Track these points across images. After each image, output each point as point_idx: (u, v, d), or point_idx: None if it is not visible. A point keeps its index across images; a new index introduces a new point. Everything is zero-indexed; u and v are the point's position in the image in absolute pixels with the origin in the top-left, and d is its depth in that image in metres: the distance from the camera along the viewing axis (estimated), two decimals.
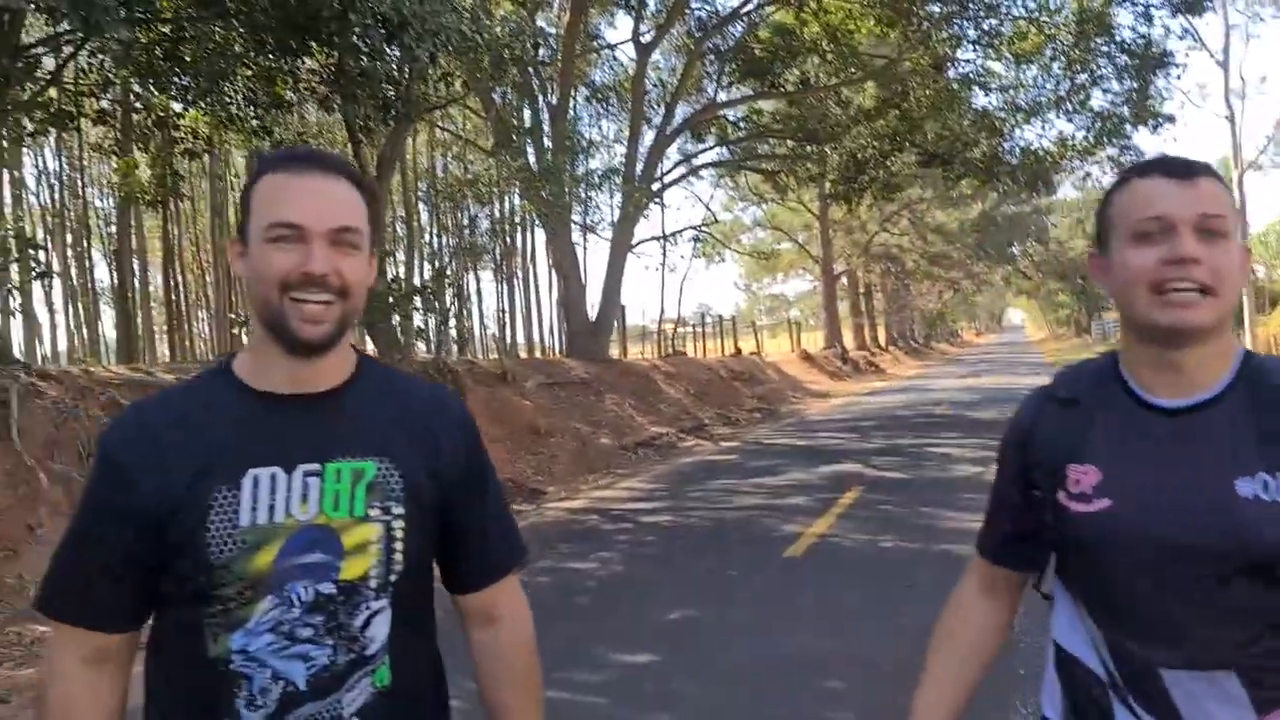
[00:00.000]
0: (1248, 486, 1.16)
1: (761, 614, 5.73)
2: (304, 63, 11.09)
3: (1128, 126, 21.45)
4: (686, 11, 21.39)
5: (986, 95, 22.29)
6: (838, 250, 41.75)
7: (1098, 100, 21.29)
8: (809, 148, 23.03)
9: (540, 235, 23.64)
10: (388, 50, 9.72)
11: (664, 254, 29.51)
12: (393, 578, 1.28)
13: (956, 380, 30.73)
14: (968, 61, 21.71)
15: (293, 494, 1.23)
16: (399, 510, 1.29)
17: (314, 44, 9.79)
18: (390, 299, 11.85)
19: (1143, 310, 1.20)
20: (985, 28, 20.56)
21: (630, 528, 8.78)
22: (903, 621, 5.33)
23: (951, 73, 21.43)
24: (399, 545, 1.28)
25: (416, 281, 15.91)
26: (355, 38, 9.19)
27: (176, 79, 10.75)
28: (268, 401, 1.27)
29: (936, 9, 20.12)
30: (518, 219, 23.21)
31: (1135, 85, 20.53)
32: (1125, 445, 1.26)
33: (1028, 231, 47.37)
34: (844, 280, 44.26)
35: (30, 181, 21.79)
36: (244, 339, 19.80)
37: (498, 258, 26.45)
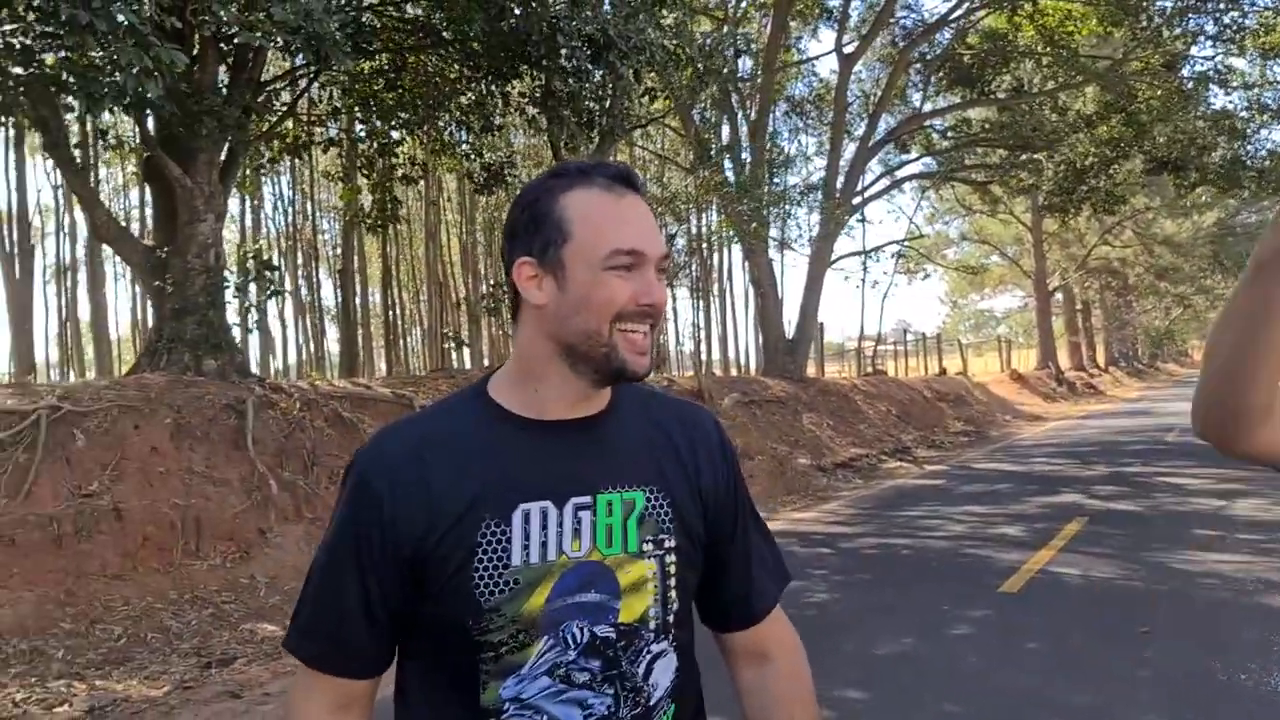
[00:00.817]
0: None
1: (977, 653, 5.34)
2: (513, 87, 11.49)
3: None
4: (891, 20, 20.79)
5: (1227, 94, 20.44)
6: (1052, 264, 39.43)
7: None
8: (1022, 157, 21.84)
9: (738, 252, 23.52)
10: (593, 69, 9.89)
11: (864, 269, 28.69)
12: (670, 617, 1.20)
13: (1187, 404, 28.17)
14: (1205, 59, 19.99)
15: (564, 530, 1.14)
16: (670, 543, 1.20)
17: (524, 67, 10.09)
18: None
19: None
20: (1225, 21, 18.84)
21: (831, 554, 8.48)
22: (1140, 673, 4.82)
23: (1185, 71, 19.78)
24: (673, 581, 1.20)
25: None
26: (563, 59, 9.40)
27: (396, 108, 11.38)
28: (533, 429, 1.18)
29: (1168, 3, 18.63)
30: (715, 236, 23.16)
31: None
32: None
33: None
34: (1059, 296, 41.73)
35: (267, 207, 23.76)
36: (453, 357, 20.74)
37: (695, 275, 26.55)
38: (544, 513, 1.13)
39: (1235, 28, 18.61)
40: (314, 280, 24.31)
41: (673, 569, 1.19)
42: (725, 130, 20.39)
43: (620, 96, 11.43)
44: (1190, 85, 19.72)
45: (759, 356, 22.68)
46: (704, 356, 25.30)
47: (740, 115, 20.08)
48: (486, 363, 21.01)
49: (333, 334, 26.34)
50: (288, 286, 20.54)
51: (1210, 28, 19.02)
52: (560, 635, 1.12)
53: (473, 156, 12.34)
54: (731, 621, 1.34)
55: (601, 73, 10.34)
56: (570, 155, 13.13)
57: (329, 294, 25.53)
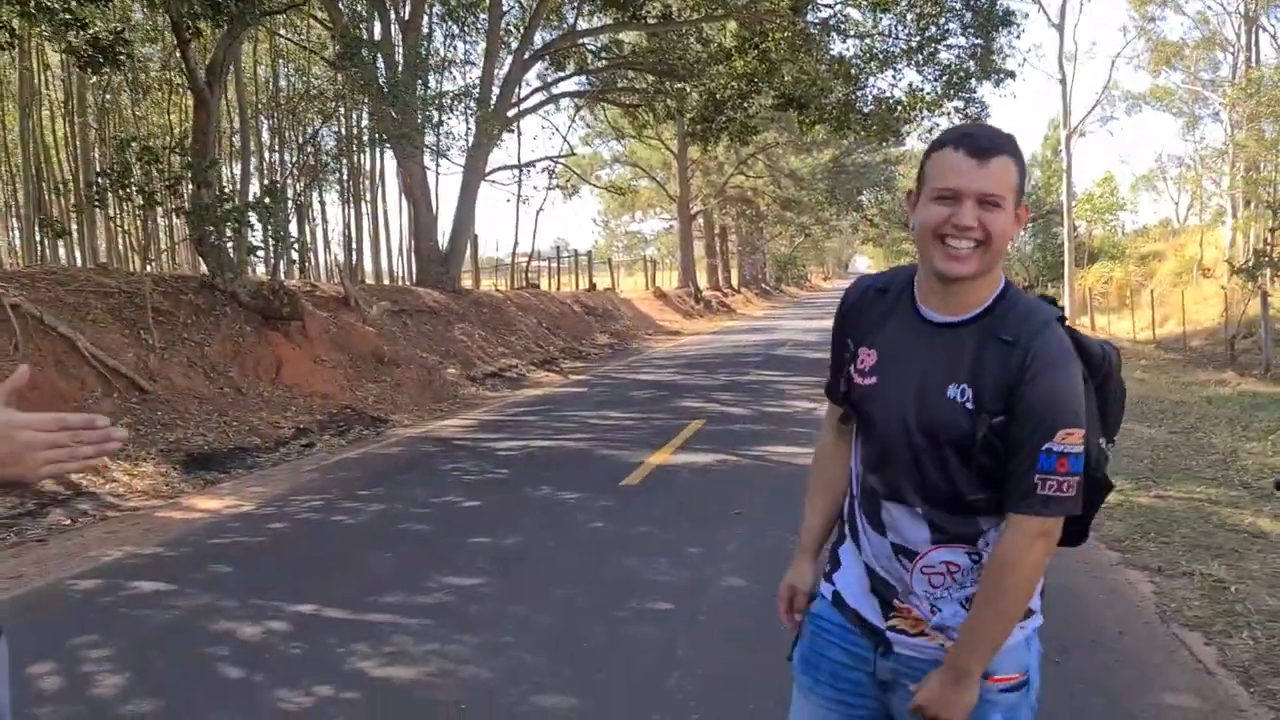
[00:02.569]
0: (952, 390, 1.60)
1: (594, 540, 5.73)
2: None
3: (973, 81, 22.15)
4: None
5: (844, 42, 22.53)
6: (694, 190, 41.93)
7: (946, 54, 21.88)
8: (668, 84, 22.85)
9: (390, 158, 22.70)
10: None
11: (519, 184, 28.86)
12: None
13: (802, 322, 31.61)
14: (827, 6, 21.89)
15: None
16: None
17: None
18: (221, 212, 11.12)
19: (929, 253, 1.60)
20: None
21: (470, 457, 8.63)
22: (730, 548, 5.42)
23: (811, 16, 21.56)
24: None
25: (251, 197, 14.94)
26: None
27: None
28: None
29: None
30: (365, 139, 22.11)
31: (980, 41, 21.15)
32: (899, 338, 1.69)
33: (876, 181, 48.57)
34: (700, 221, 44.58)
35: None
36: (58, 250, 18.23)
37: (344, 179, 25.29)
38: None
39: None
40: None
41: None
42: (376, 27, 19.42)
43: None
44: (814, 30, 21.54)
45: (413, 267, 22.19)
46: (353, 264, 24.35)
47: (392, 13, 19.19)
48: (103, 260, 18.79)
49: None
50: None
51: None
52: None
53: (75, 26, 10.78)
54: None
55: None
56: (195, 39, 11.92)
57: None
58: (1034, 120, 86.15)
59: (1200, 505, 6.24)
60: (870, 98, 22.84)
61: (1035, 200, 48.94)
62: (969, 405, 1.57)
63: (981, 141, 1.56)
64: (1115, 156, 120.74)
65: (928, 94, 22.31)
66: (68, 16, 10.68)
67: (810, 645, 1.84)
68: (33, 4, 10.28)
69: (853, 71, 22.22)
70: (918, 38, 21.51)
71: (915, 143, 39.32)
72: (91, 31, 11.36)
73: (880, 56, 22.02)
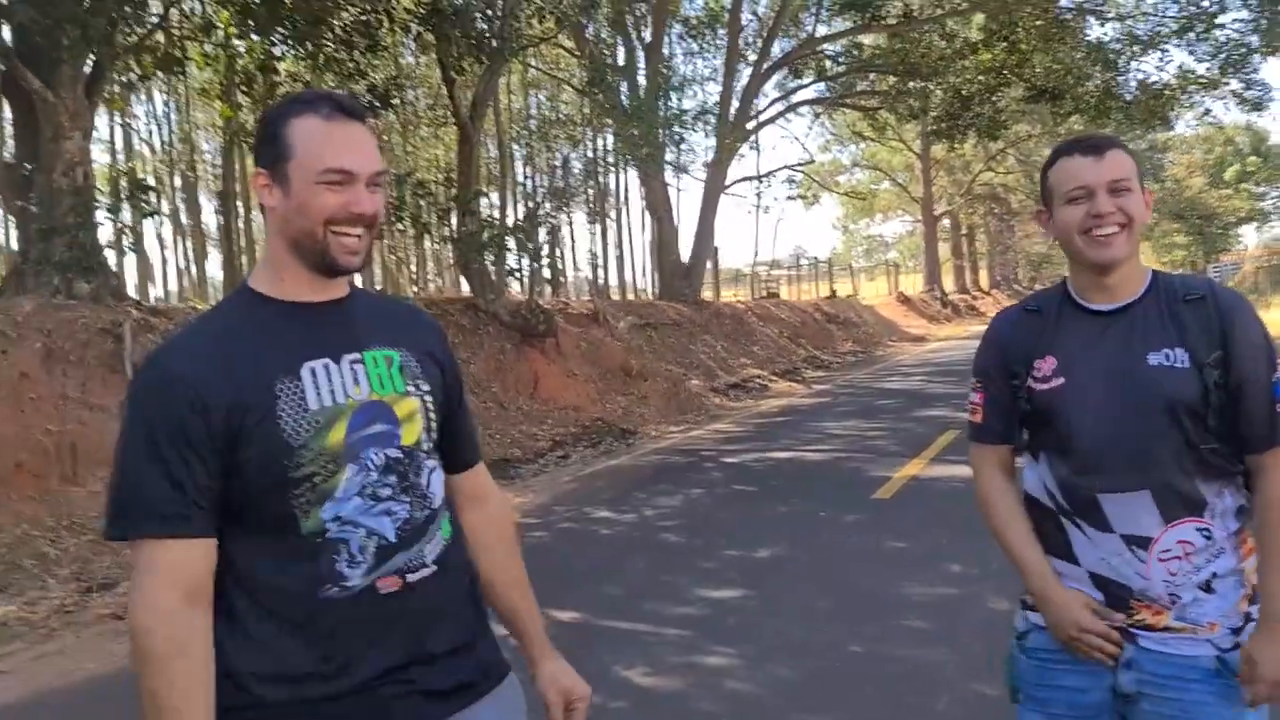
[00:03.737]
0: (1155, 357, 1.67)
1: (848, 554, 5.67)
2: (399, 2, 11.10)
3: (1255, 57, 20.07)
4: None
5: (1102, 25, 21.06)
6: (939, 190, 40.45)
7: (1222, 30, 19.91)
8: (911, 83, 22.20)
9: (634, 177, 23.47)
10: None
11: (759, 195, 29.04)
12: (434, 440, 1.50)
13: None
14: None
15: (345, 379, 1.40)
16: (425, 386, 1.49)
17: None
18: (484, 238, 11.94)
19: (1079, 249, 1.72)
20: None
21: (718, 469, 8.77)
22: (993, 565, 5.21)
23: (1064, 2, 20.30)
24: (433, 413, 1.49)
25: (510, 222, 15.96)
26: None
27: (274, 22, 10.89)
28: (297, 309, 1.43)
29: None
30: (610, 160, 22.99)
31: (1265, 10, 19.09)
32: (1074, 337, 1.76)
33: (1143, 170, 44.89)
34: (945, 222, 42.94)
35: (141, 126, 22.56)
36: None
37: (590, 199, 26.39)
38: (326, 367, 1.38)
39: None
40: (194, 202, 23.33)
41: (430, 403, 1.49)
42: (620, 51, 20.16)
43: (509, 15, 11.18)
44: (1069, 15, 20.27)
45: (655, 281, 22.83)
46: (600, 281, 25.31)
47: (635, 36, 19.85)
48: (379, 285, 20.62)
49: (215, 258, 25.38)
50: (164, 208, 19.68)
51: None
52: (362, 461, 1.37)
53: (357, 76, 11.93)
54: (459, 464, 1.63)
55: None
56: (459, 76, 12.86)
57: (210, 216, 24.57)
58: None
59: None
60: (1134, 83, 21.21)
61: None
62: (1181, 365, 1.65)
63: (1094, 140, 1.75)
64: None
65: (1201, 75, 20.41)
66: (351, 66, 11.83)
67: (1037, 679, 1.81)
68: (322, 58, 11.48)
69: (1112, 56, 20.73)
70: (1189, 13, 19.74)
71: (1185, 127, 36.10)
72: (372, 78, 12.52)
73: (1144, 38, 20.38)
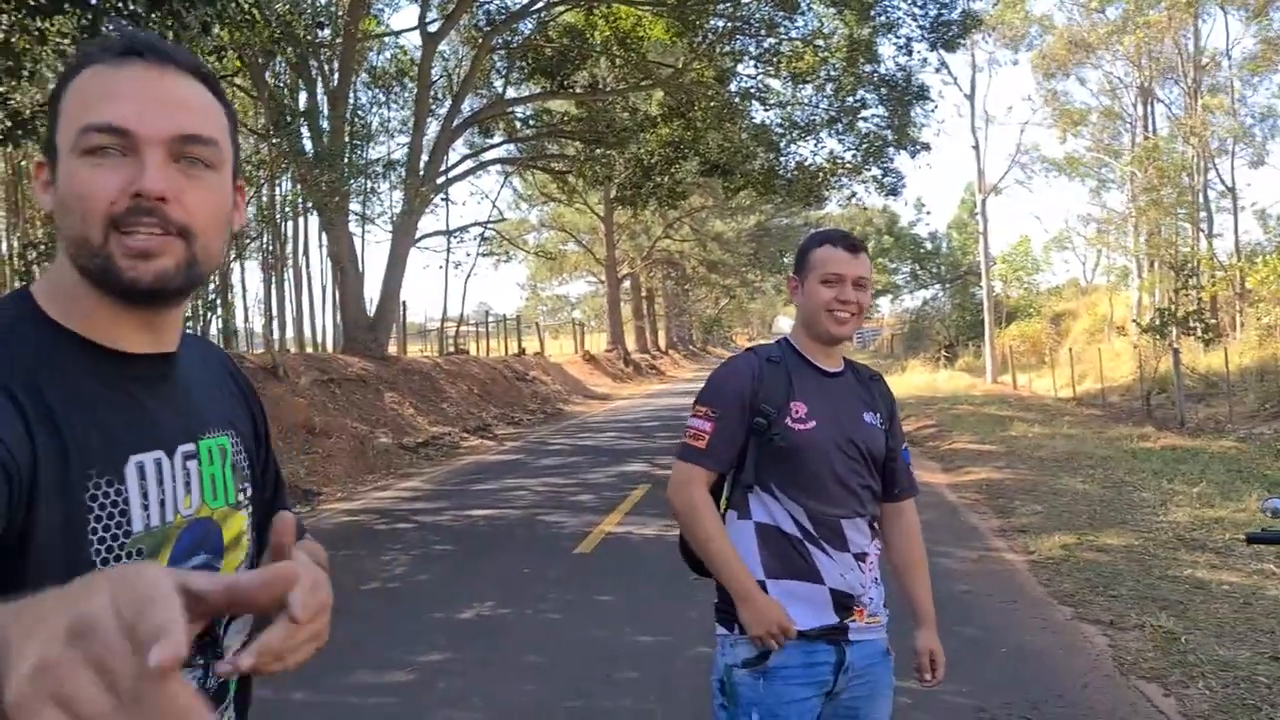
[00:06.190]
0: (869, 416, 2.14)
1: (555, 610, 5.64)
2: (51, 23, 9.93)
3: (890, 150, 22.96)
4: (475, 3, 21.00)
5: (766, 110, 23.18)
6: (622, 254, 42.37)
7: (864, 124, 22.65)
8: (597, 150, 23.17)
9: (315, 225, 22.47)
10: (149, 11, 8.87)
11: (449, 250, 28.80)
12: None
13: None
14: (749, 77, 22.54)
15: (178, 484, 0.96)
16: (249, 492, 1.08)
17: (65, 1, 8.79)
18: None
19: (821, 321, 2.08)
20: (765, 46, 21.42)
21: (413, 529, 8.46)
22: (692, 614, 5.39)
23: (733, 86, 22.17)
24: (253, 532, 1.08)
25: None
26: None
27: None
28: (120, 363, 0.94)
29: (721, 24, 20.77)
30: (290, 206, 21.87)
31: (897, 112, 21.97)
32: (812, 391, 2.09)
33: (799, 244, 49.86)
34: (627, 284, 44.98)
35: None
36: None
37: (266, 247, 24.92)
38: (159, 465, 0.94)
39: (773, 52, 21.26)
40: None
41: (251, 518, 1.08)
42: (303, 97, 19.36)
43: (182, 48, 10.35)
44: (737, 99, 22.16)
45: (338, 334, 21.88)
46: (275, 333, 23.88)
47: (320, 81, 19.17)
48: None
49: None
50: None
51: (754, 50, 21.53)
52: None
53: None
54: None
55: (159, 15, 9.31)
56: None
57: None
58: (953, 181, 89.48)
59: (1140, 558, 6.42)
60: (792, 164, 23.46)
61: (953, 261, 50.58)
62: (880, 425, 2.15)
63: (853, 240, 2.13)
64: (1030, 213, 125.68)
65: (848, 161, 23.02)
66: None
67: (777, 699, 1.97)
68: None
69: (774, 139, 22.84)
70: (837, 107, 22.24)
71: (835, 207, 40.52)
72: (13, 104, 11.09)
73: (802, 125, 22.70)
